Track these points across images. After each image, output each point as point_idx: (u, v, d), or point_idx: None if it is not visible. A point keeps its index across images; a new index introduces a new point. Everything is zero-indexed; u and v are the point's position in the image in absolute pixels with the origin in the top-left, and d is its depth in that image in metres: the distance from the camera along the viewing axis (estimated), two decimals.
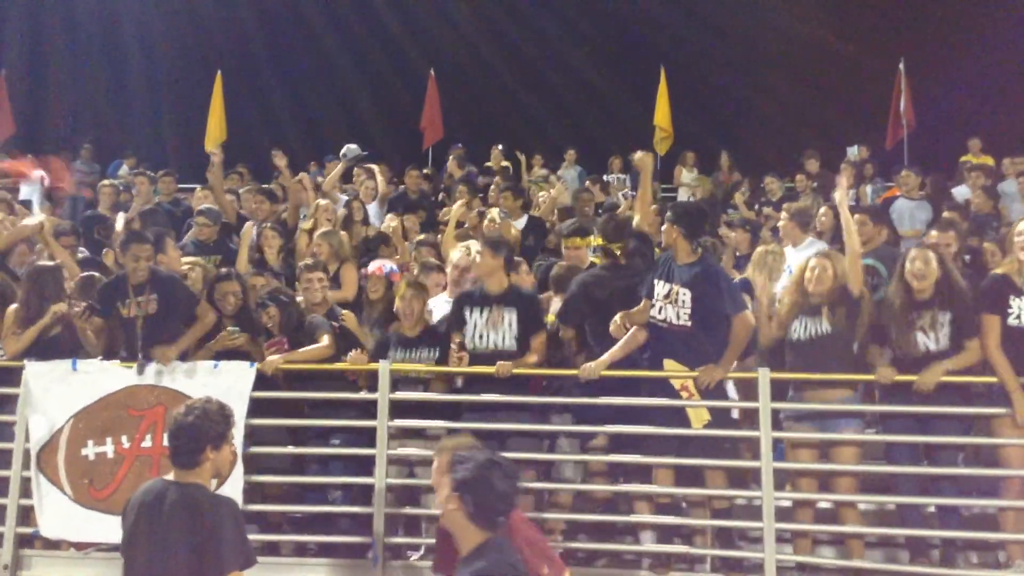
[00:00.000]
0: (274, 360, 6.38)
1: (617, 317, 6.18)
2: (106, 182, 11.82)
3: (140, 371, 6.38)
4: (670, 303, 6.08)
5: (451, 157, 14.32)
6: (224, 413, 4.10)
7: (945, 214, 8.58)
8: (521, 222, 9.57)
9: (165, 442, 6.07)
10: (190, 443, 3.98)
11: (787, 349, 6.12)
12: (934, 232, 7.08)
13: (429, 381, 6.54)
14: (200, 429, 3.99)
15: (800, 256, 7.51)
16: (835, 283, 5.97)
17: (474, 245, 7.27)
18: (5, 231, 8.17)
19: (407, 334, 6.60)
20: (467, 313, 6.41)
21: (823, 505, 6.12)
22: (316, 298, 6.89)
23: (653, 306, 6.16)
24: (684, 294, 6.02)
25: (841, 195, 6.42)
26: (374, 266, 7.49)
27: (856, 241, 6.15)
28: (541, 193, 11.05)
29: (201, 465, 4.00)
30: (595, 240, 7.06)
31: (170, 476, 4.07)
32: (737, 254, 9.24)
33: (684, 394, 6.02)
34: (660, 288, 6.14)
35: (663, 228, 6.35)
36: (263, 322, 6.67)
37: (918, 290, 5.88)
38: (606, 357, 6.14)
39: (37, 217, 8.47)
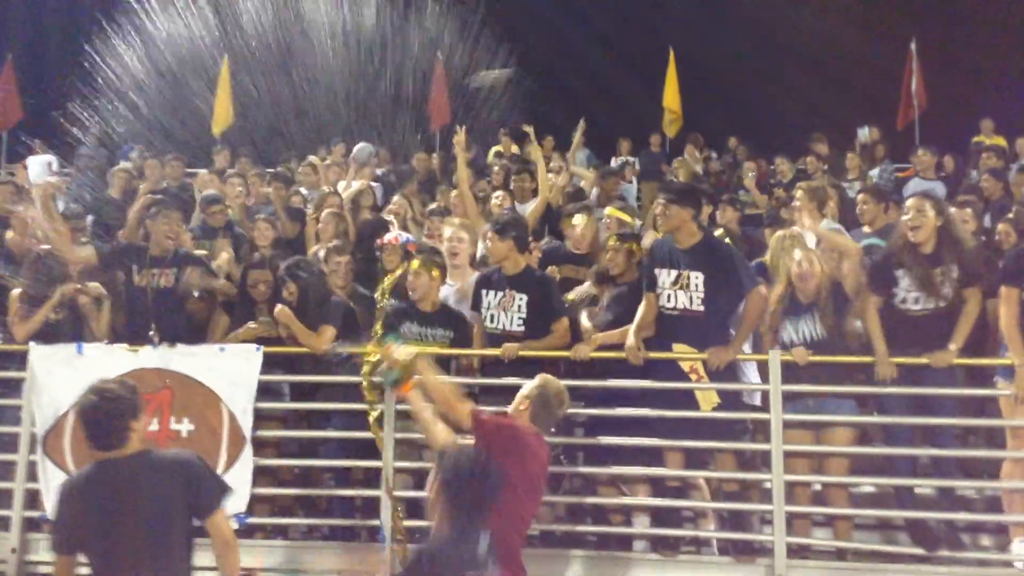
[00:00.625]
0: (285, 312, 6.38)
1: (630, 340, 6.00)
2: (119, 167, 11.73)
3: (154, 345, 6.34)
4: (680, 289, 5.98)
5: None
6: (129, 386, 4.01)
7: (960, 198, 8.50)
8: (529, 206, 9.42)
9: (172, 425, 6.20)
10: (111, 423, 3.89)
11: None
12: (952, 209, 6.99)
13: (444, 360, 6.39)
14: (116, 410, 3.90)
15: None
16: (825, 281, 5.87)
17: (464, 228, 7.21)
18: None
19: (423, 309, 6.49)
20: (483, 294, 6.39)
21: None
22: (340, 281, 6.93)
23: (659, 295, 6.06)
24: (696, 277, 5.92)
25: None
26: (390, 236, 7.47)
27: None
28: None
29: (130, 440, 3.92)
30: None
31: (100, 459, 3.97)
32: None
33: (693, 376, 5.96)
34: (667, 276, 6.03)
35: (665, 212, 6.21)
36: (284, 297, 6.57)
37: (918, 242, 5.78)
38: (600, 336, 6.09)
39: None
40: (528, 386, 4.67)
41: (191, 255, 6.71)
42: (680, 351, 5.99)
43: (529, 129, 12.28)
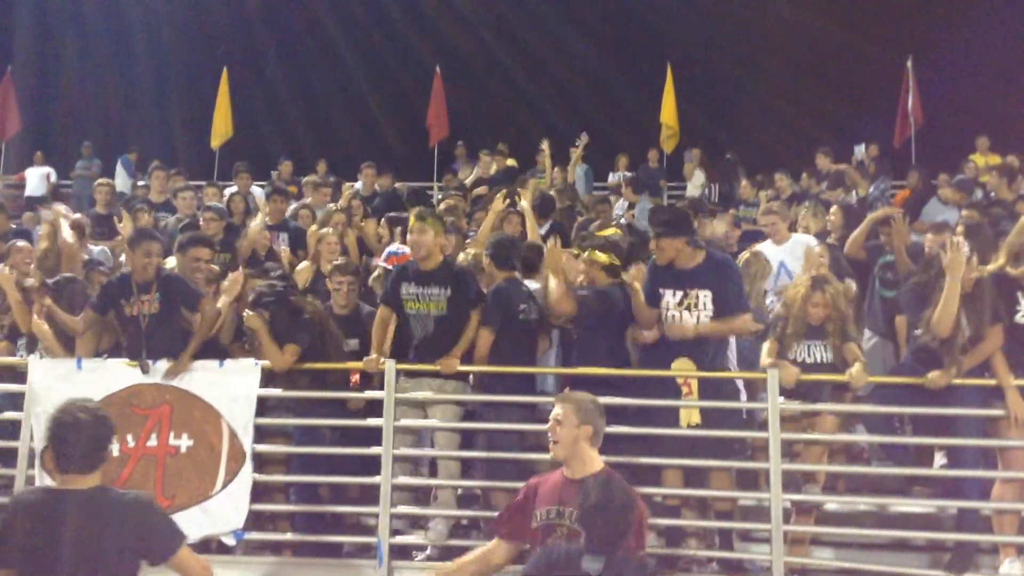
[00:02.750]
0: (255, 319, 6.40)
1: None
2: (101, 181, 11.76)
3: (145, 371, 6.35)
4: (687, 309, 5.97)
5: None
6: (103, 414, 3.88)
7: (964, 212, 8.55)
8: (543, 228, 9.36)
9: (171, 441, 6.20)
10: (90, 445, 3.77)
11: None
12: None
13: (436, 325, 6.38)
14: (99, 433, 3.80)
15: (781, 253, 7.72)
16: (832, 311, 6.05)
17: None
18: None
19: (424, 268, 6.42)
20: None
21: (830, 507, 6.10)
22: (342, 300, 6.95)
23: (665, 315, 6.04)
24: (704, 296, 5.93)
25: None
26: (386, 257, 7.53)
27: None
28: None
29: (99, 468, 3.81)
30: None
31: (53, 484, 3.90)
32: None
33: (685, 389, 5.97)
34: (671, 297, 6.00)
35: (659, 244, 6.09)
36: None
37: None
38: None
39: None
40: (578, 404, 4.47)
41: (171, 276, 6.70)
42: (681, 367, 5.99)
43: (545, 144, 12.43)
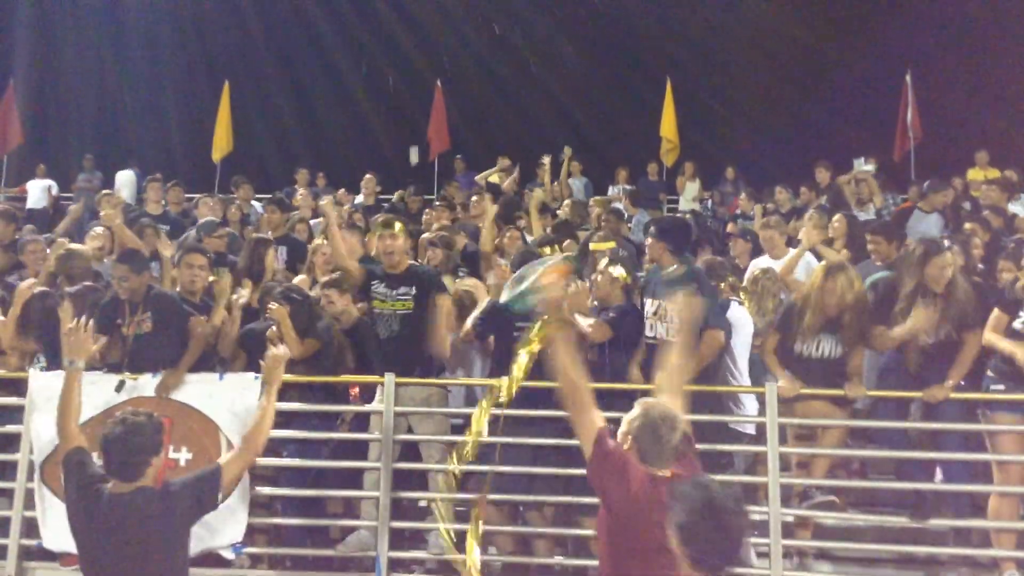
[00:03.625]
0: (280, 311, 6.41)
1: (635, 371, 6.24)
2: (105, 192, 11.79)
3: (118, 389, 6.32)
4: (659, 320, 6.08)
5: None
6: (155, 422, 4.18)
7: (967, 225, 8.58)
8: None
9: (170, 454, 6.19)
10: (134, 457, 4.06)
11: (794, 362, 6.12)
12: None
13: (401, 324, 6.49)
14: (140, 443, 4.07)
15: (777, 268, 7.71)
16: (844, 300, 5.99)
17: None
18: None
19: (389, 271, 6.65)
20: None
21: (830, 522, 6.10)
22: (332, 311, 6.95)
23: (645, 323, 6.16)
24: (671, 309, 5.99)
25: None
26: None
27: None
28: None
29: (145, 475, 4.10)
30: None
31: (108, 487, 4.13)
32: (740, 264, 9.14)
33: None
34: (649, 306, 6.17)
35: (648, 243, 6.37)
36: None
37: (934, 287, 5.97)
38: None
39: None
40: (627, 418, 3.80)
41: (161, 294, 6.71)
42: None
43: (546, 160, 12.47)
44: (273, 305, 6.44)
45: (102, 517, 4.07)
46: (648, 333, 6.15)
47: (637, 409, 3.77)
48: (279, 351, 4.83)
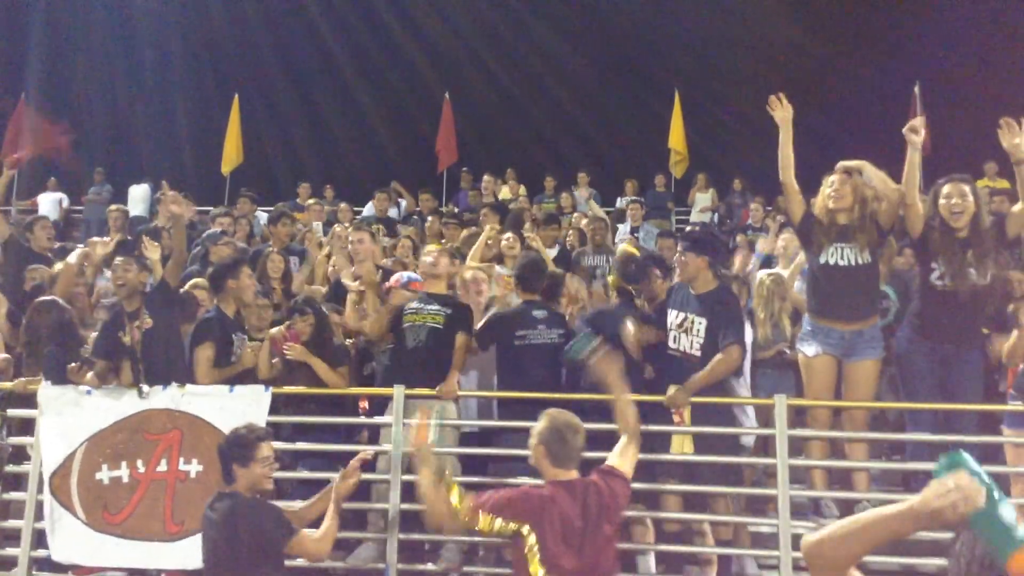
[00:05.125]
0: (299, 349, 6.45)
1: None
2: (114, 207, 11.80)
3: (141, 395, 6.36)
4: (684, 332, 6.03)
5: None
6: (243, 435, 4.84)
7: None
8: (553, 252, 9.41)
9: (181, 466, 6.20)
10: (223, 462, 4.84)
11: (819, 273, 6.05)
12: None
13: (429, 336, 6.47)
14: (225, 451, 4.85)
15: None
16: (859, 205, 5.96)
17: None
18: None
19: (430, 291, 6.69)
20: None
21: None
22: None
23: (668, 335, 6.12)
24: (700, 323, 5.95)
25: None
26: (394, 278, 7.55)
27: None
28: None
29: (237, 480, 4.78)
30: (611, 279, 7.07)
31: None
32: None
33: (676, 418, 5.97)
34: (674, 317, 6.10)
35: (682, 259, 6.15)
36: (297, 327, 6.62)
37: (957, 228, 5.81)
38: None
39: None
40: (534, 429, 4.31)
41: (152, 289, 6.74)
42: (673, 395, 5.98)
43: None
44: (291, 346, 6.49)
45: (209, 513, 4.83)
46: (671, 344, 6.10)
47: (543, 419, 4.31)
48: (350, 482, 5.28)
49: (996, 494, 2.15)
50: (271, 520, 4.70)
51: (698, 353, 5.94)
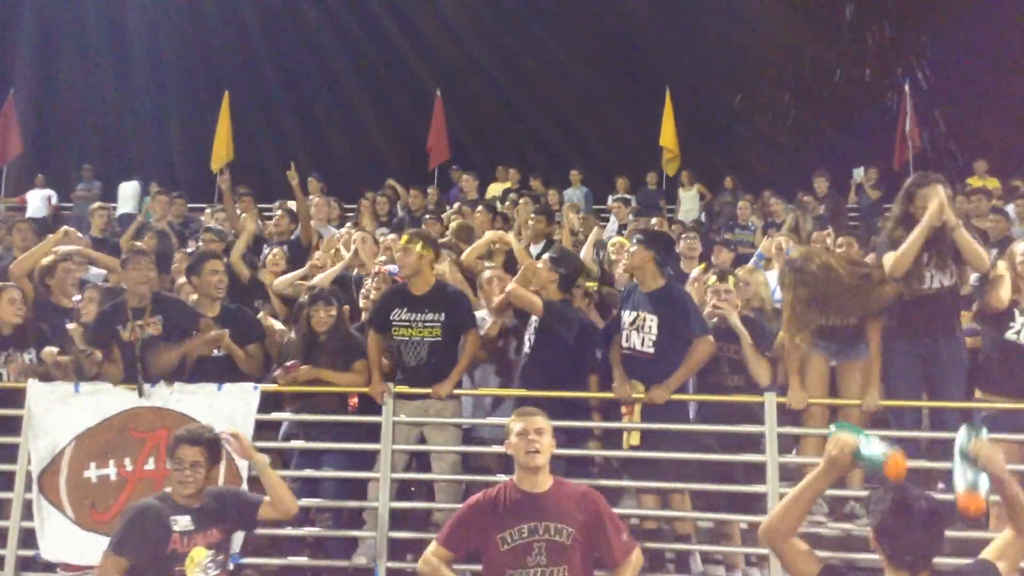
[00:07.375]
0: (304, 370, 6.33)
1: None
2: (99, 205, 11.62)
3: (141, 394, 6.34)
4: (635, 330, 6.07)
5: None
6: (213, 435, 5.05)
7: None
8: (539, 247, 9.31)
9: (168, 465, 6.16)
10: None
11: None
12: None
13: (430, 353, 6.32)
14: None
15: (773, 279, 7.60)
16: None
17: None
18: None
19: (415, 293, 6.35)
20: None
21: (831, 533, 6.08)
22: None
23: (621, 334, 6.15)
24: (651, 320, 6.00)
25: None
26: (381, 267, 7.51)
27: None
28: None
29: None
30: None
31: None
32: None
33: (624, 412, 6.00)
34: (627, 316, 6.15)
35: (631, 251, 6.31)
36: (323, 318, 6.48)
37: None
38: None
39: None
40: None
41: (169, 297, 6.71)
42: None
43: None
44: (305, 368, 6.37)
45: None
46: (624, 343, 6.12)
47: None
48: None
49: (865, 439, 3.47)
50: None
51: (651, 350, 6.01)
